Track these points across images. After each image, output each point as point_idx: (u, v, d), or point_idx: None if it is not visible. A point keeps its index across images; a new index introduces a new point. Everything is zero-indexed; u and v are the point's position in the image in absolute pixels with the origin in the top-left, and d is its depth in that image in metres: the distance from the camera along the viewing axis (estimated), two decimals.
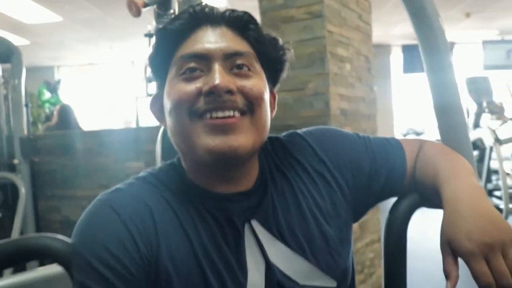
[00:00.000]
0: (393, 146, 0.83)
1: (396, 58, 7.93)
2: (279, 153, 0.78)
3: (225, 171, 0.70)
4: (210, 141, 0.64)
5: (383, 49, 7.69)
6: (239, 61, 0.68)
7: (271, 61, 0.74)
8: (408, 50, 7.49)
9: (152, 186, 0.70)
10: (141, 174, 0.74)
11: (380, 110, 3.24)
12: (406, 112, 9.37)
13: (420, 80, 8.00)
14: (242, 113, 0.66)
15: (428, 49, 0.91)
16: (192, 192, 0.70)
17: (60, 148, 3.20)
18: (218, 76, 0.64)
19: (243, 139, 0.65)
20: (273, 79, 0.76)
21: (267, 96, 0.71)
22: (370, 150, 0.81)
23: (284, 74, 0.78)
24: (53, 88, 7.41)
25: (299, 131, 0.83)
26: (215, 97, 0.64)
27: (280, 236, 0.70)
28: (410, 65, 7.55)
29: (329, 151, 0.79)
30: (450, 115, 0.92)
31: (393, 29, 6.48)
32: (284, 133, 0.83)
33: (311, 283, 0.70)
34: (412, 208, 0.84)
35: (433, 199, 0.76)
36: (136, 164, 3.08)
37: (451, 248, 0.64)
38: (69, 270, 0.69)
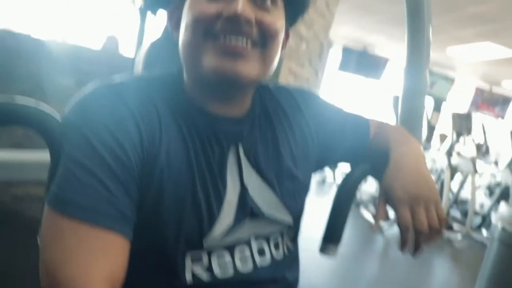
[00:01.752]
0: (362, 121, 0.95)
1: (335, 55, 8.22)
2: (267, 99, 0.84)
3: (223, 92, 0.73)
4: (219, 62, 0.66)
5: (327, 44, 7.94)
6: None
7: (295, 4, 0.75)
8: (346, 51, 7.81)
9: (155, 88, 0.71)
10: (140, 76, 0.73)
11: None
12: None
13: (350, 80, 8.42)
14: (254, 44, 0.68)
15: (415, 45, 1.06)
16: (187, 106, 0.73)
17: None
18: (241, 5, 0.65)
19: (249, 68, 0.68)
20: (291, 19, 0.77)
21: (282, 34, 0.73)
22: (343, 119, 0.92)
23: (303, 16, 0.79)
24: None
25: (287, 86, 0.91)
26: (233, 23, 0.65)
27: (256, 166, 0.77)
28: (346, 64, 7.89)
29: (310, 109, 0.89)
30: (414, 104, 1.08)
31: (340, 28, 6.71)
32: (273, 85, 0.89)
33: (273, 214, 0.78)
34: (363, 175, 0.97)
35: (381, 166, 0.86)
36: (66, 81, 2.95)
37: (386, 196, 0.79)
38: (48, 140, 0.69)
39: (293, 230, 0.85)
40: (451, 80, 8.32)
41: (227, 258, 0.73)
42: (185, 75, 0.75)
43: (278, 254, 0.80)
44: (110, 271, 0.59)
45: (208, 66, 0.67)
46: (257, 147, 0.78)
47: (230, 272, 0.72)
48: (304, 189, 0.85)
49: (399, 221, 0.76)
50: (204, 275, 0.70)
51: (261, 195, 0.77)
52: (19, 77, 2.93)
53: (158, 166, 0.66)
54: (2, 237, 2.36)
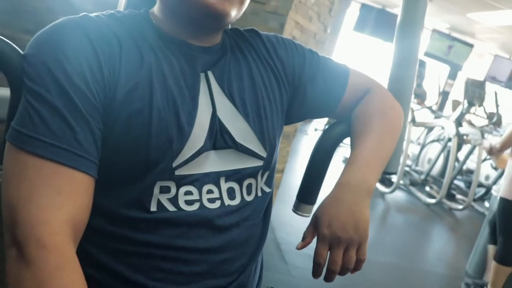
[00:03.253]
0: (338, 71, 0.90)
1: (352, 14, 7.98)
2: (238, 36, 0.85)
3: (203, 26, 0.75)
4: (212, 0, 0.69)
5: (343, 1, 7.69)
6: None
7: None
8: (365, 8, 7.53)
9: (119, 22, 0.71)
10: (106, 12, 0.73)
11: None
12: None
13: (365, 42, 8.20)
14: None
15: (406, 25, 1.01)
16: (158, 36, 0.74)
17: None
18: None
19: (232, 10, 0.72)
20: None
21: None
22: (316, 66, 0.88)
23: None
24: None
25: (258, 31, 0.89)
26: None
27: (229, 94, 0.76)
28: (362, 24, 7.64)
29: (279, 51, 0.86)
30: (402, 86, 1.02)
31: None
32: (244, 28, 0.89)
33: (245, 144, 0.76)
34: (342, 136, 0.92)
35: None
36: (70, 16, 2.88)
37: (315, 221, 0.78)
38: (8, 75, 0.67)
39: (267, 170, 0.81)
40: (469, 46, 8.05)
41: (195, 195, 0.71)
42: (157, 12, 0.76)
43: (250, 197, 0.78)
44: (73, 212, 0.58)
45: (201, 2, 0.69)
46: (231, 76, 0.78)
47: (196, 207, 0.71)
48: (276, 128, 0.81)
49: (314, 255, 0.77)
50: (169, 206, 0.69)
51: (234, 123, 0.75)
52: (24, 14, 2.87)
53: (122, 91, 0.66)
54: None
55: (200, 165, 0.71)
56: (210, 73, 0.76)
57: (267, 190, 0.83)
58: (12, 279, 0.55)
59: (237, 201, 0.76)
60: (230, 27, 0.88)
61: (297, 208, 0.95)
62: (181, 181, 0.70)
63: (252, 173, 0.77)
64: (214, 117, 0.73)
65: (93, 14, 0.70)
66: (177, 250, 0.70)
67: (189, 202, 0.71)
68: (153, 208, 0.69)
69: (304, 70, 0.87)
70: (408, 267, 3.15)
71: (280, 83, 0.84)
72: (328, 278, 0.78)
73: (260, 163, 0.78)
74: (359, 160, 0.81)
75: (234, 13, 0.72)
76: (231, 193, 0.75)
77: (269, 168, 0.81)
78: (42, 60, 0.61)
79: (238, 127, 0.75)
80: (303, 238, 0.80)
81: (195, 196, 0.71)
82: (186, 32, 0.75)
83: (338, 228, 0.74)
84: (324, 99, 0.88)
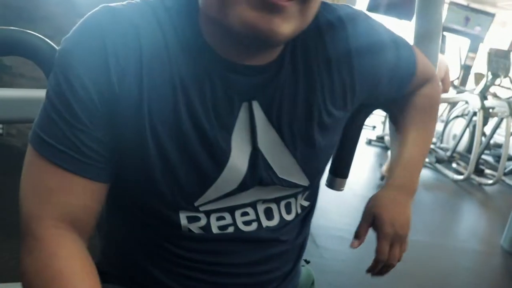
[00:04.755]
0: (408, 66, 0.80)
1: None
2: (312, 36, 0.67)
3: (248, 47, 0.60)
4: (252, 14, 0.52)
5: None
6: None
7: None
8: None
9: (161, 20, 0.59)
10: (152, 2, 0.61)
11: None
12: None
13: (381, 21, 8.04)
14: None
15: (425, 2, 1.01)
16: (198, 47, 0.60)
17: None
18: None
19: (286, 26, 0.54)
20: None
21: None
22: (394, 69, 0.77)
23: None
24: None
25: (342, 13, 0.69)
26: None
27: (277, 125, 0.65)
28: (375, 3, 7.51)
29: (362, 58, 0.70)
30: (428, 45, 1.01)
31: None
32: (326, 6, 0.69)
33: (287, 177, 0.69)
34: (371, 109, 0.92)
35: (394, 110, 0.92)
36: None
37: (373, 220, 0.83)
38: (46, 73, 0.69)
39: (309, 191, 0.76)
40: (490, 16, 7.82)
41: (228, 220, 0.67)
42: (200, 14, 0.61)
43: (289, 216, 0.73)
44: (66, 210, 0.60)
45: (238, 17, 0.53)
46: (283, 102, 0.65)
47: (231, 231, 0.68)
48: (330, 149, 0.75)
49: (378, 252, 0.83)
50: (200, 232, 0.67)
51: (279, 158, 0.67)
52: (40, 20, 2.92)
53: (138, 113, 0.59)
54: None
55: (233, 199, 0.67)
56: (255, 103, 0.63)
57: (306, 204, 0.77)
58: (20, 266, 0.59)
59: (275, 221, 0.71)
60: None
61: (330, 183, 0.96)
62: (209, 213, 0.66)
63: (294, 196, 0.73)
64: (255, 155, 0.65)
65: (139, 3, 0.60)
66: (212, 265, 0.69)
67: (222, 228, 0.67)
68: (184, 231, 0.66)
69: (385, 75, 0.75)
70: (440, 244, 3.13)
71: (347, 100, 0.71)
72: (384, 272, 0.85)
73: (300, 190, 0.73)
74: (410, 162, 0.86)
75: (291, 29, 0.54)
76: (268, 213, 0.70)
77: (310, 190, 0.76)
78: (58, 65, 0.59)
79: (282, 161, 0.67)
80: (357, 236, 0.84)
81: (228, 220, 0.67)
82: (228, 47, 0.60)
83: (399, 227, 0.82)
84: (388, 97, 0.84)
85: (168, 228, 0.66)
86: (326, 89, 0.67)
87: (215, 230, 0.67)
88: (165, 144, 0.60)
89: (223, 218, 0.67)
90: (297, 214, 0.75)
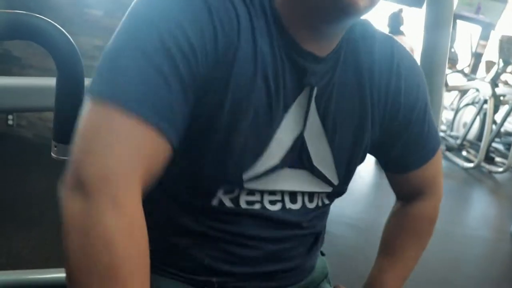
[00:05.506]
0: (433, 149, 0.81)
1: None
2: (363, 48, 0.71)
3: (326, 23, 0.62)
4: None
5: None
6: None
7: None
8: None
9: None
10: None
11: None
12: None
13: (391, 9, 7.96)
14: None
15: None
16: (274, 26, 0.63)
17: None
18: None
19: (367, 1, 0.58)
20: None
21: None
22: (420, 133, 0.78)
23: None
24: None
25: (405, 53, 0.75)
26: None
27: (323, 114, 0.68)
28: None
29: (403, 94, 0.73)
30: (438, 33, 1.00)
31: None
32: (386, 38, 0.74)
33: (320, 168, 0.71)
34: None
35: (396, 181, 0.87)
36: (94, 11, 2.93)
37: None
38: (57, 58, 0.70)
39: (333, 196, 0.77)
40: (503, 3, 7.67)
41: (257, 197, 0.70)
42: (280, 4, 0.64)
43: (311, 205, 0.75)
44: (147, 173, 0.53)
45: None
46: (333, 93, 0.68)
47: (257, 207, 0.70)
48: (362, 157, 0.76)
49: None
50: (228, 203, 0.69)
51: (317, 146, 0.70)
52: (48, 10, 2.94)
53: (225, 75, 0.59)
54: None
55: (270, 181, 0.69)
56: (314, 89, 0.66)
57: (327, 202, 0.78)
58: (70, 235, 0.50)
59: (298, 205, 0.73)
60: None
61: None
62: (246, 188, 0.68)
63: (318, 192, 0.75)
64: (300, 137, 0.68)
65: None
66: (234, 235, 0.70)
67: (250, 203, 0.69)
68: (214, 203, 0.68)
69: (407, 127, 0.76)
70: (450, 232, 3.12)
71: (374, 125, 0.74)
72: None
73: (329, 189, 0.74)
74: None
75: (367, 4, 0.58)
76: (292, 197, 0.73)
77: (336, 195, 0.77)
78: (151, 18, 0.55)
79: (319, 150, 0.70)
80: None
81: (257, 197, 0.70)
82: (305, 33, 0.63)
83: None
84: (399, 159, 0.81)
85: (202, 199, 0.68)
86: (367, 95, 0.71)
87: (243, 204, 0.69)
88: (237, 113, 0.61)
89: (252, 193, 0.69)
90: (317, 206, 0.76)
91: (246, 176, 0.66)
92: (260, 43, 0.61)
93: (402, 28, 4.49)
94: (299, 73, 0.65)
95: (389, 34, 0.77)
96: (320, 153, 0.70)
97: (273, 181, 0.69)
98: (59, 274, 1.06)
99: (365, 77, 0.70)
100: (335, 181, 0.73)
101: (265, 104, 0.63)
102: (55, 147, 0.79)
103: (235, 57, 0.59)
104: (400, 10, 4.51)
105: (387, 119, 0.74)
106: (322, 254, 0.91)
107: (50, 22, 0.72)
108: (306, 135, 0.68)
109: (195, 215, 0.70)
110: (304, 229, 0.76)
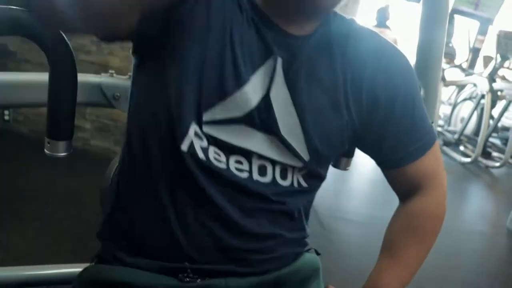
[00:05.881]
0: (421, 137, 0.80)
1: None
2: (341, 36, 0.75)
3: (294, 13, 0.71)
4: None
5: None
6: None
7: None
8: None
9: None
10: None
11: None
12: None
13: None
14: None
15: None
16: (251, 8, 0.71)
17: None
18: None
19: None
20: None
21: None
22: (411, 122, 0.79)
23: None
24: None
25: (380, 39, 0.79)
26: None
27: (292, 86, 0.72)
28: None
29: (387, 83, 0.76)
30: (434, 28, 0.99)
31: None
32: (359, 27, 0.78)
33: (289, 139, 0.72)
34: None
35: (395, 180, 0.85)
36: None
37: None
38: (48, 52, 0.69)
39: (307, 170, 0.77)
40: None
41: (222, 158, 0.71)
42: None
43: (284, 182, 0.76)
44: None
45: None
46: (301, 69, 0.72)
47: (223, 166, 0.71)
48: (340, 144, 0.77)
49: None
50: (200, 153, 0.70)
51: (285, 115, 0.72)
52: None
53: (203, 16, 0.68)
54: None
55: (233, 135, 0.71)
56: (279, 60, 0.71)
57: (304, 184, 0.78)
58: None
59: (267, 179, 0.74)
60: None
61: (335, 163, 0.95)
62: (210, 140, 0.70)
63: (291, 166, 0.75)
64: (266, 100, 0.71)
65: None
66: (201, 204, 0.71)
67: (218, 161, 0.71)
68: (184, 147, 0.69)
69: (393, 116, 0.77)
70: (446, 226, 3.12)
71: (350, 103, 0.75)
72: None
73: (299, 164, 0.74)
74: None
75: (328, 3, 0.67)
76: (262, 170, 0.73)
77: (309, 168, 0.77)
78: None
79: (287, 120, 0.72)
80: None
81: (223, 158, 0.71)
82: (280, 14, 0.71)
83: None
84: (389, 152, 0.81)
85: (174, 138, 0.69)
86: (339, 76, 0.74)
87: (212, 158, 0.71)
88: (208, 49, 0.68)
89: (218, 154, 0.71)
90: (292, 185, 0.76)
91: (206, 116, 0.69)
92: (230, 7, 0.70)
93: (388, 22, 4.80)
94: (264, 41, 0.71)
95: (373, 30, 0.80)
96: (289, 124, 0.72)
97: (237, 135, 0.71)
98: (58, 270, 1.06)
99: (337, 63, 0.73)
100: (306, 157, 0.74)
101: (231, 59, 0.69)
102: (48, 143, 0.78)
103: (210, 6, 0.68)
104: (387, 6, 4.79)
105: (365, 110, 0.75)
106: (317, 253, 0.90)
107: None
108: (274, 101, 0.71)
109: (167, 176, 0.71)
110: (272, 203, 0.75)
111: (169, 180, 0.72)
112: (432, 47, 1.02)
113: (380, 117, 0.76)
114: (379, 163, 0.84)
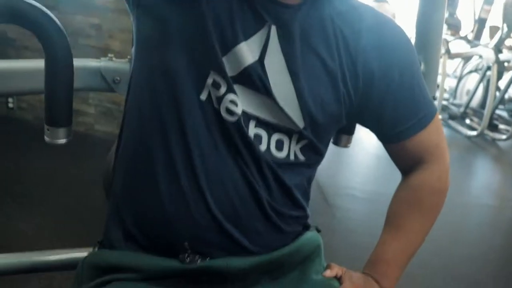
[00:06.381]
0: (421, 107, 0.80)
1: None
2: (334, 11, 0.75)
3: None
4: None
5: None
6: None
7: None
8: None
9: None
10: None
11: None
12: None
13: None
14: None
15: None
16: None
17: None
18: None
19: None
20: None
21: None
22: (410, 95, 0.79)
23: None
24: None
25: (378, 14, 0.79)
26: None
27: (287, 55, 0.73)
28: None
29: (383, 57, 0.76)
30: (432, 13, 0.97)
31: None
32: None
33: (284, 106, 0.73)
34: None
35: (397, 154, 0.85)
36: (90, 19, 2.89)
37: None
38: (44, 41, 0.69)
39: (305, 140, 0.77)
40: None
41: (237, 109, 0.72)
42: None
43: (279, 154, 0.76)
44: None
45: None
46: (295, 37, 0.73)
47: (234, 119, 0.72)
48: (337, 116, 0.77)
49: None
50: (215, 102, 0.71)
51: (278, 80, 0.73)
52: None
53: None
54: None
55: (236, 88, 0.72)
56: (273, 28, 0.72)
57: (301, 157, 0.78)
58: None
59: (262, 148, 0.74)
60: None
61: (335, 140, 0.95)
62: (230, 86, 0.71)
63: (284, 130, 0.75)
64: (261, 64, 0.72)
65: None
66: (209, 137, 0.72)
67: (230, 112, 0.71)
68: (203, 96, 0.71)
69: (391, 89, 0.77)
70: (453, 201, 3.12)
71: (348, 82, 0.76)
72: None
73: (294, 128, 0.75)
74: (395, 264, 0.85)
75: None
76: (257, 138, 0.74)
77: (306, 138, 0.77)
78: None
79: (282, 87, 0.73)
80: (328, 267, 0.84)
81: (237, 110, 0.72)
82: None
83: None
84: (383, 123, 0.81)
85: (189, 92, 0.71)
86: (334, 52, 0.74)
87: (223, 111, 0.71)
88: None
89: (233, 109, 0.72)
90: (288, 156, 0.76)
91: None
92: None
93: None
94: (254, 10, 0.72)
95: (368, 5, 0.80)
96: (283, 90, 0.73)
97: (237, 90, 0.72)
98: (63, 256, 1.07)
99: (330, 32, 0.74)
100: (300, 123, 0.74)
101: (217, 29, 0.70)
102: (48, 130, 0.78)
103: None
104: None
105: (361, 84, 0.76)
106: (318, 230, 0.90)
107: (36, 6, 0.70)
108: (268, 67, 0.72)
109: (164, 145, 0.72)
110: (271, 180, 0.75)
111: (167, 149, 0.72)
112: (432, 20, 1.00)
113: (378, 91, 0.76)
114: (380, 137, 0.84)
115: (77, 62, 0.81)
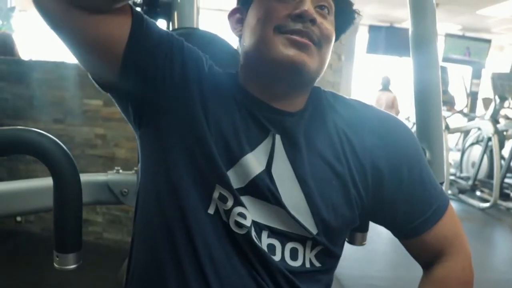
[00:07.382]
0: (440, 201, 0.80)
1: (363, 36, 8.01)
2: (328, 107, 0.80)
3: (284, 84, 0.75)
4: (286, 51, 0.71)
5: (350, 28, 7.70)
6: (323, 3, 0.75)
7: (343, 18, 0.80)
8: (374, 30, 7.54)
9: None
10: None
11: (342, 91, 3.32)
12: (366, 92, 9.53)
13: (380, 61, 8.17)
14: (314, 43, 0.73)
15: (419, 36, 1.02)
16: (243, 93, 0.77)
17: (14, 75, 3.04)
18: (308, 4, 0.72)
19: (311, 61, 0.72)
20: (336, 33, 0.79)
21: (332, 42, 0.77)
22: (420, 185, 0.79)
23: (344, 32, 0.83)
24: (5, 15, 6.94)
25: (369, 107, 0.83)
26: (302, 21, 0.72)
27: (294, 163, 0.74)
28: (374, 46, 7.65)
29: (389, 147, 0.78)
30: (429, 99, 1.01)
31: (364, 8, 6.54)
32: (347, 100, 0.83)
33: (296, 214, 0.72)
34: None
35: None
36: (95, 102, 3.01)
37: None
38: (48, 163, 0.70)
39: (320, 247, 0.75)
40: (487, 42, 7.89)
41: (246, 222, 0.71)
42: (242, 73, 0.80)
43: (294, 263, 0.74)
44: None
45: (278, 55, 0.71)
46: (300, 144, 0.75)
47: (243, 232, 0.71)
48: (344, 216, 0.76)
49: None
50: (224, 217, 0.72)
51: (288, 189, 0.73)
52: (50, 104, 3.02)
53: (192, 104, 0.74)
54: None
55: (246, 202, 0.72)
56: (278, 137, 0.75)
57: (317, 264, 0.76)
58: None
59: (276, 258, 0.73)
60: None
61: (351, 238, 0.93)
62: (237, 199, 0.71)
63: (298, 238, 0.74)
64: (268, 174, 0.73)
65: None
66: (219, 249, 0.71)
67: (239, 224, 0.71)
68: (211, 211, 0.72)
69: (403, 181, 0.78)
70: (477, 279, 2.98)
71: (356, 174, 0.76)
72: None
73: (308, 235, 0.74)
74: None
75: (314, 67, 0.73)
76: (271, 248, 0.72)
77: (320, 244, 0.75)
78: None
79: (291, 194, 0.73)
80: None
81: (246, 224, 0.71)
82: (267, 95, 0.76)
83: None
84: (402, 221, 0.80)
85: (196, 206, 0.71)
86: (340, 153, 0.76)
87: (232, 224, 0.71)
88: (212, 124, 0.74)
89: (242, 222, 0.71)
90: (304, 265, 0.74)
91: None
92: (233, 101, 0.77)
93: (390, 87, 6.65)
94: (258, 121, 0.75)
95: (367, 103, 0.84)
96: (293, 198, 0.73)
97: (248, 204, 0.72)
98: None
99: (334, 136, 0.77)
100: (313, 230, 0.73)
101: (230, 137, 0.73)
102: (57, 257, 0.77)
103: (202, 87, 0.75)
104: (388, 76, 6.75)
105: (371, 184, 0.76)
106: None
107: (45, 135, 0.73)
108: (276, 178, 0.73)
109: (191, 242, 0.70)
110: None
111: (178, 264, 0.71)
112: (429, 95, 1.03)
113: (389, 189, 0.77)
114: (396, 234, 0.82)
115: (85, 177, 0.82)
